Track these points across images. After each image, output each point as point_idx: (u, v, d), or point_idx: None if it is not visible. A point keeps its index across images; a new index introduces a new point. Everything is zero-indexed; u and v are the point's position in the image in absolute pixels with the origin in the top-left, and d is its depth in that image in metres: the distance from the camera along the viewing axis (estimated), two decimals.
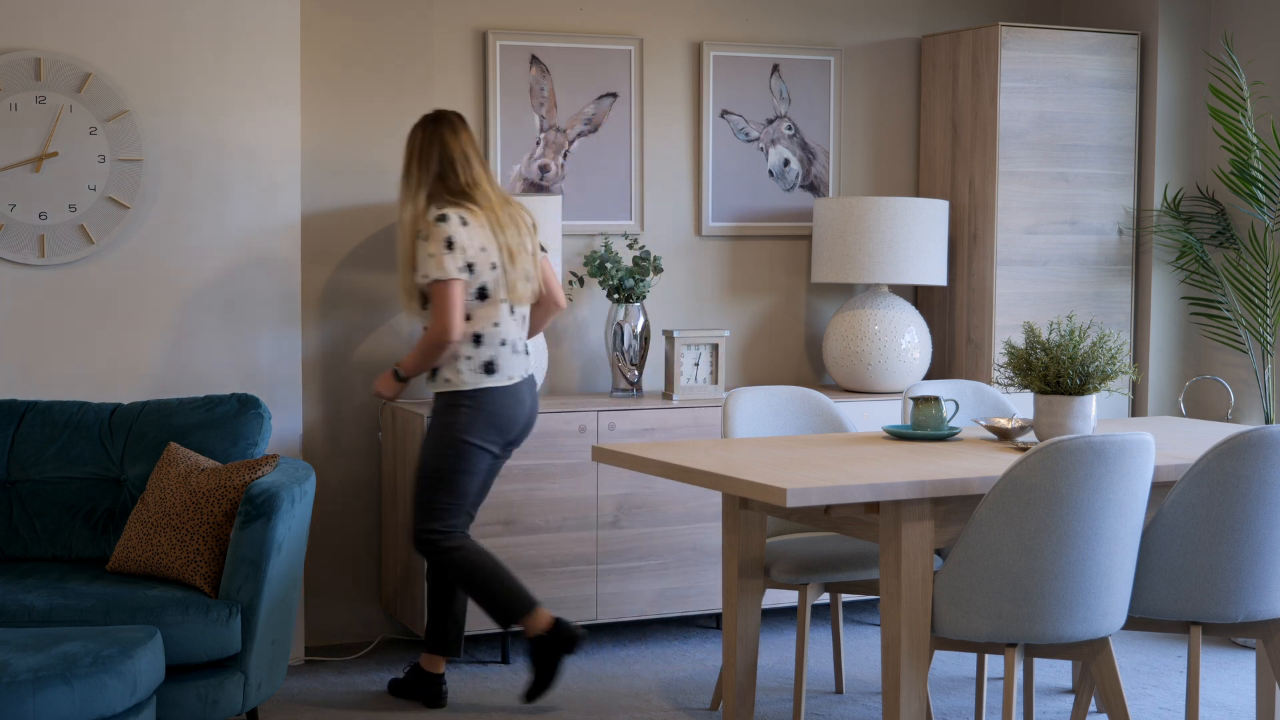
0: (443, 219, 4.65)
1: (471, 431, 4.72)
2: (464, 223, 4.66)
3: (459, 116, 4.83)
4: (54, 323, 4.97)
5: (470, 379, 4.71)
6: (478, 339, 4.71)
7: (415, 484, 4.79)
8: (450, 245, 4.62)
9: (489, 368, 4.71)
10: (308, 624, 5.48)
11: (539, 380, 5.42)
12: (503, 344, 4.73)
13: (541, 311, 4.95)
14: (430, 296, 4.66)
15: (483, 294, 4.70)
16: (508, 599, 4.73)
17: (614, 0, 5.87)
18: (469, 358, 4.71)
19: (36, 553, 4.60)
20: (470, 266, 4.66)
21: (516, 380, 4.76)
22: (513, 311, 4.77)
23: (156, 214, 5.07)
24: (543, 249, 4.92)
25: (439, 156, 4.75)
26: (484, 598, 4.75)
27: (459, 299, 4.64)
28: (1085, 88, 6.06)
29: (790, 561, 4.54)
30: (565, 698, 4.97)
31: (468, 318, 4.70)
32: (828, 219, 5.91)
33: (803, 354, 6.23)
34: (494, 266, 4.69)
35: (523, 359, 4.81)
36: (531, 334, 4.96)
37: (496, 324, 4.72)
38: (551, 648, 4.73)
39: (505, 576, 4.75)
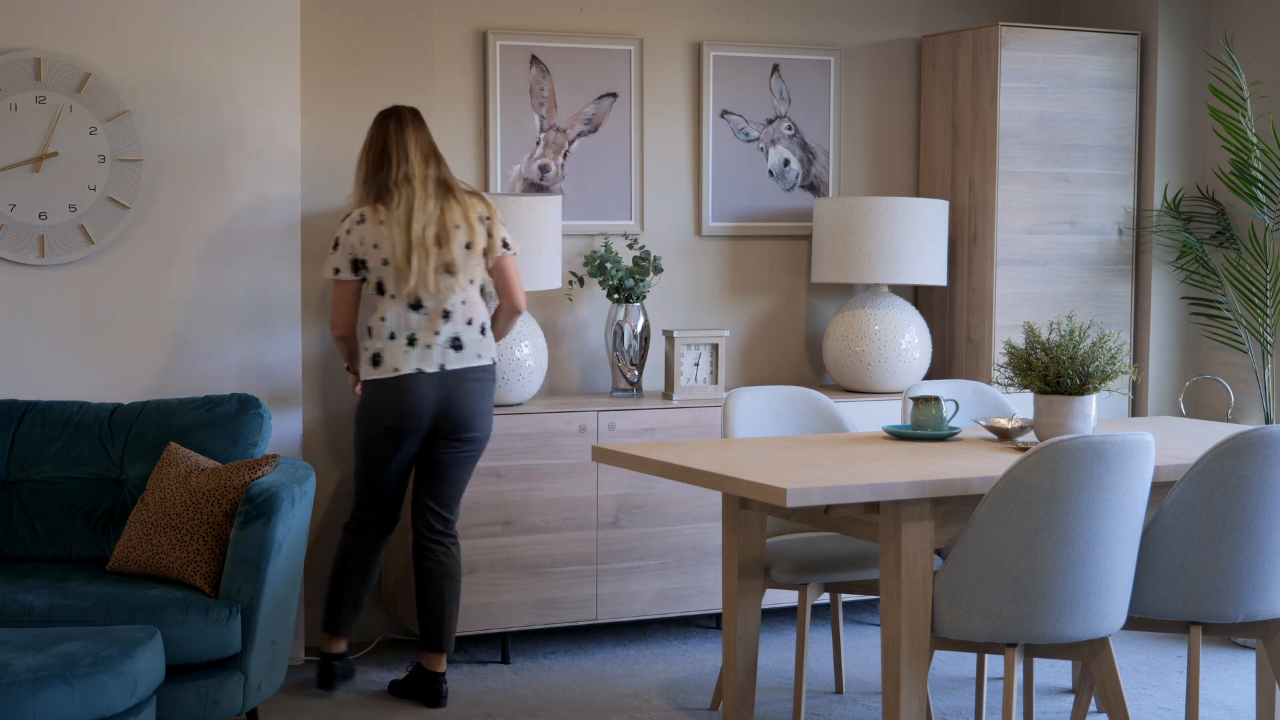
0: (344, 219, 4.81)
1: (359, 420, 4.89)
2: (361, 220, 4.77)
3: (412, 112, 4.85)
4: (54, 323, 4.97)
5: (363, 371, 4.84)
6: (370, 332, 4.81)
7: None
8: (336, 245, 4.81)
9: (375, 360, 4.78)
10: (308, 624, 5.48)
11: (537, 380, 5.41)
12: (391, 337, 4.75)
13: (499, 314, 4.97)
14: None
15: (380, 289, 4.78)
16: (332, 605, 4.98)
17: (614, 0, 5.87)
18: (365, 349, 4.82)
19: (36, 553, 4.60)
20: (361, 264, 4.78)
21: (404, 373, 4.74)
22: (418, 306, 4.74)
23: (156, 214, 5.07)
24: (505, 246, 4.88)
25: (379, 152, 4.81)
26: (329, 585, 5.02)
27: (338, 296, 4.83)
28: (1085, 88, 6.06)
29: (790, 561, 4.54)
30: (565, 697, 4.97)
31: (373, 311, 4.83)
32: (828, 219, 5.90)
33: (803, 354, 6.23)
34: (385, 263, 4.74)
35: (432, 352, 4.75)
36: (497, 336, 4.96)
37: (383, 319, 4.76)
38: (321, 669, 5.00)
39: (346, 589, 4.96)
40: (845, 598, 5.65)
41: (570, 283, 5.77)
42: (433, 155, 4.82)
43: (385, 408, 4.77)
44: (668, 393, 5.65)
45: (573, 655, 5.45)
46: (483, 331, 4.85)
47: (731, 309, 6.09)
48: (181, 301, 5.11)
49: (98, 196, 4.98)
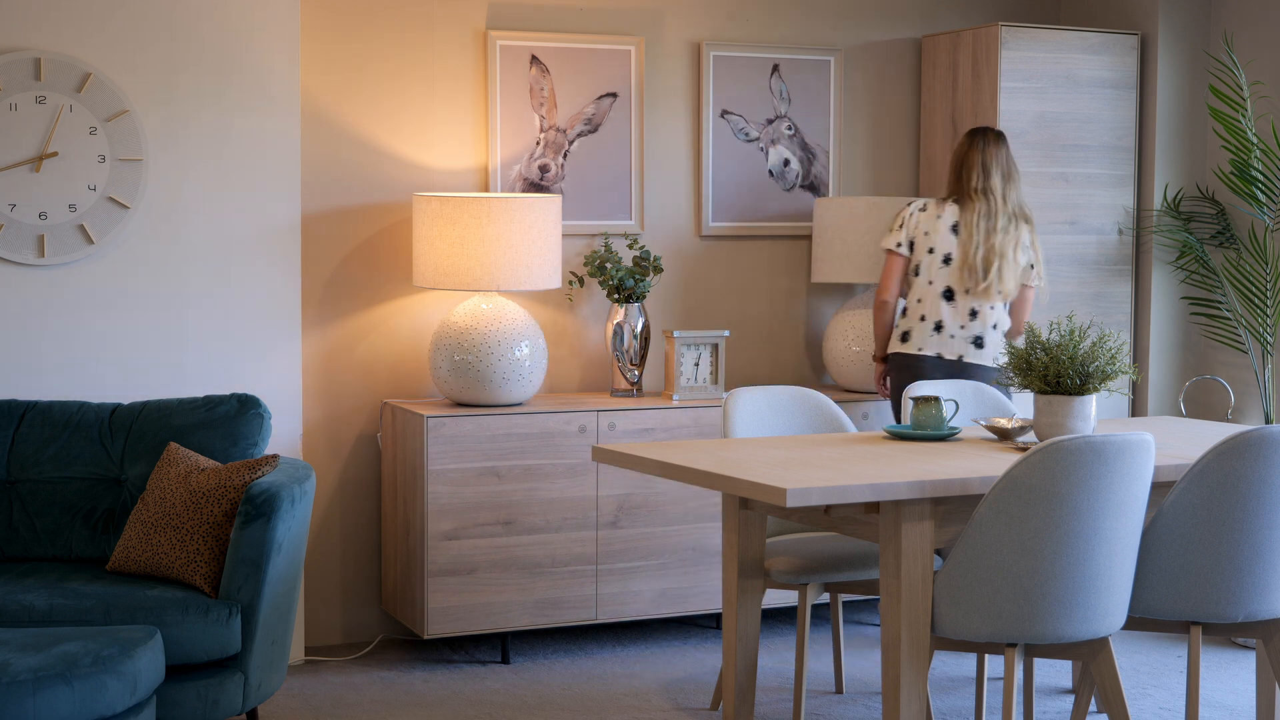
0: (909, 204, 5.46)
1: (893, 389, 5.45)
2: (923, 208, 5.41)
3: (997, 133, 5.41)
4: (54, 323, 4.97)
5: (892, 344, 5.47)
6: (905, 311, 5.47)
7: None
8: (901, 224, 5.43)
9: (904, 337, 5.41)
10: (308, 624, 5.48)
11: (537, 380, 5.41)
12: (921, 319, 5.37)
13: (1010, 335, 5.48)
14: None
15: (916, 271, 5.40)
16: None
17: (614, 0, 5.87)
18: (895, 325, 5.48)
19: (36, 553, 4.60)
20: (910, 244, 5.41)
21: (926, 353, 5.35)
22: (951, 298, 5.34)
23: (156, 214, 5.07)
24: (1030, 267, 5.40)
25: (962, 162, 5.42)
26: None
27: (891, 268, 5.43)
28: (1085, 88, 6.06)
29: (790, 561, 4.54)
30: (566, 697, 4.97)
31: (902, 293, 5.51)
32: (828, 219, 5.90)
33: (803, 354, 6.23)
34: (930, 251, 5.36)
35: (948, 340, 5.35)
36: (1013, 333, 5.44)
37: (919, 300, 5.39)
38: None
39: None
40: (845, 598, 5.65)
41: (570, 283, 5.77)
42: (1008, 173, 5.39)
43: (901, 379, 5.36)
44: (668, 393, 5.65)
45: (573, 655, 5.45)
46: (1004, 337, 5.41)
47: (731, 309, 6.09)
48: (181, 301, 5.11)
49: (98, 196, 4.98)
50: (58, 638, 3.74)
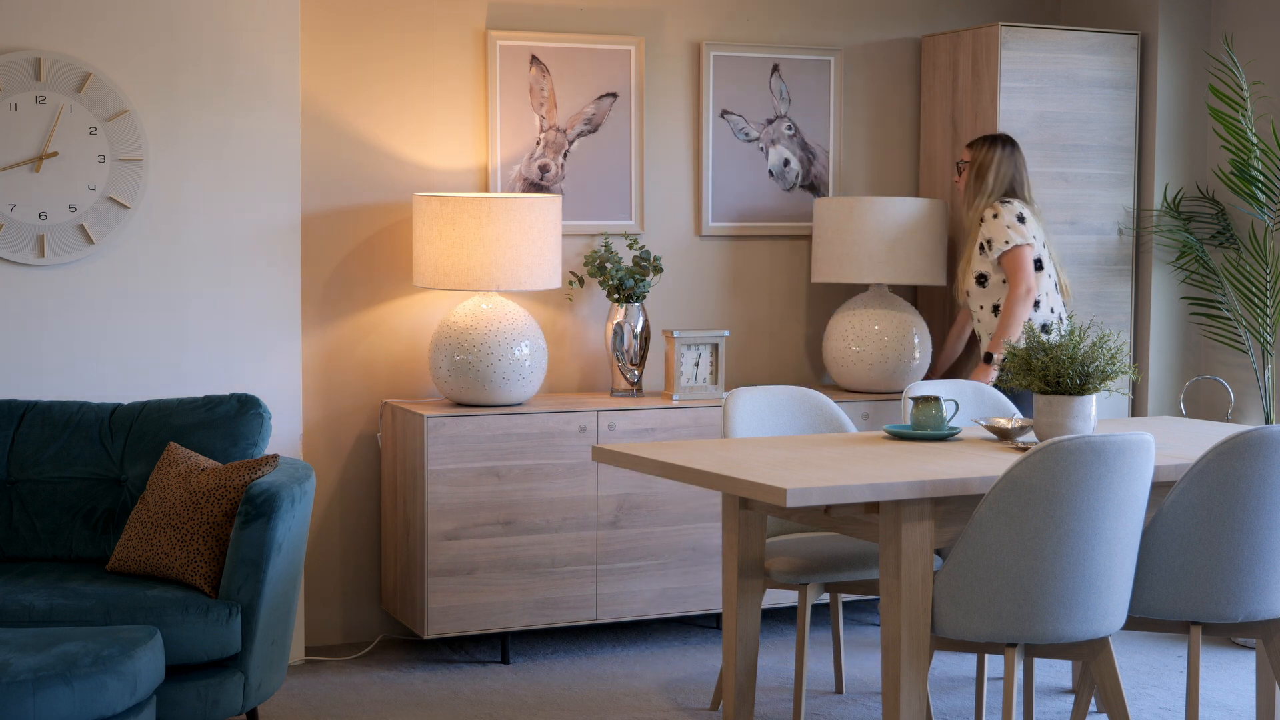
0: (1004, 204, 5.52)
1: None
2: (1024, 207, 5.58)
3: (1010, 140, 5.64)
4: (54, 323, 4.97)
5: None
6: (1036, 305, 5.54)
7: None
8: (1023, 219, 5.51)
9: (1044, 328, 5.50)
10: (308, 624, 5.48)
11: (537, 380, 5.41)
12: (1051, 311, 5.53)
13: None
14: (1007, 265, 5.49)
15: (1038, 265, 5.53)
16: None
17: (614, 0, 5.87)
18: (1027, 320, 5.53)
19: (36, 553, 4.60)
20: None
21: None
22: (1058, 291, 5.60)
23: (156, 214, 5.07)
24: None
25: (1015, 167, 5.61)
26: None
27: (1030, 261, 5.50)
28: (1085, 88, 6.05)
29: (790, 561, 4.54)
30: (566, 697, 4.97)
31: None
32: (828, 219, 5.90)
33: (803, 354, 6.23)
34: (1044, 246, 5.57)
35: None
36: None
37: (1046, 294, 5.54)
38: None
39: None
40: (845, 597, 5.65)
41: (570, 283, 5.77)
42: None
43: None
44: (668, 393, 5.65)
45: (573, 655, 5.45)
46: None
47: (731, 309, 6.09)
48: (181, 301, 5.11)
49: (98, 196, 4.98)
50: (58, 638, 3.74)
